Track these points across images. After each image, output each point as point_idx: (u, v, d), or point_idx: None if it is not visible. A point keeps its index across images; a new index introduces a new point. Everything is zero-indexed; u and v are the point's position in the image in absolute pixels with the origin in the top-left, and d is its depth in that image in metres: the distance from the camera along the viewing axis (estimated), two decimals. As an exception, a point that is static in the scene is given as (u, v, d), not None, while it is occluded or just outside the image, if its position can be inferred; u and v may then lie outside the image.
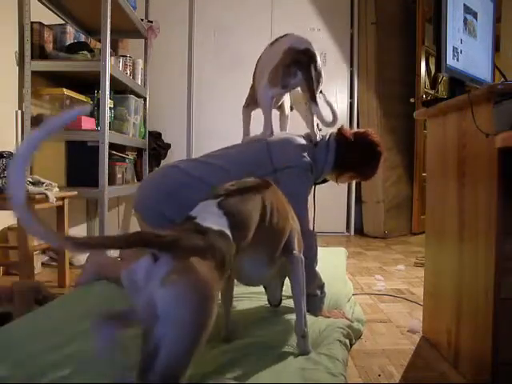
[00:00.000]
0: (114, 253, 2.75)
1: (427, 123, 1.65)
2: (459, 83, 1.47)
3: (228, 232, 0.98)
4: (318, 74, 1.75)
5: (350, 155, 1.75)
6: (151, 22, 3.57)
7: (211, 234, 0.94)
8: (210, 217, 1.00)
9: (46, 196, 2.00)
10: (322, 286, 1.65)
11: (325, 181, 1.86)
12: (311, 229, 1.71)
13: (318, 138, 1.77)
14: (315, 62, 1.74)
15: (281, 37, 1.89)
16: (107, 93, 2.57)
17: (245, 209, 1.10)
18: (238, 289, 1.55)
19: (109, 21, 2.54)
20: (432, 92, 4.18)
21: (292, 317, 1.42)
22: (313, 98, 1.71)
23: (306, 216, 1.64)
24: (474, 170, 1.26)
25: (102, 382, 1.06)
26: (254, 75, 2.01)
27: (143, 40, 3.60)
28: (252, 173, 1.41)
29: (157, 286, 0.80)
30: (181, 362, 0.81)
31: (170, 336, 0.80)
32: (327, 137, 1.78)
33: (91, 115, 2.81)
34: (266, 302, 1.64)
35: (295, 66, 1.69)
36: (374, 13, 4.16)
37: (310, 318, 1.52)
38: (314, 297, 1.61)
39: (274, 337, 1.38)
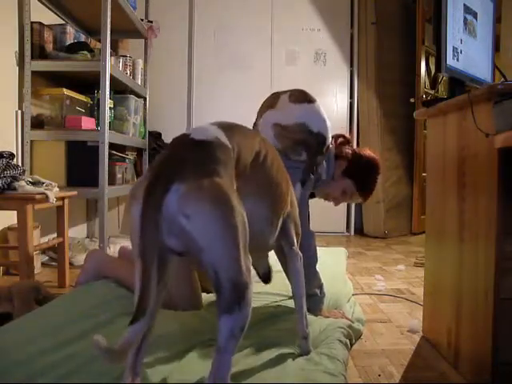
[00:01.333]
0: (113, 251, 2.76)
1: (427, 123, 1.65)
2: (459, 83, 1.47)
3: (226, 141, 0.96)
4: (322, 158, 1.69)
5: (348, 171, 1.81)
6: (151, 21, 3.57)
7: (207, 146, 0.93)
8: (204, 131, 0.98)
9: (46, 196, 2.00)
10: (321, 286, 1.65)
11: (312, 195, 1.86)
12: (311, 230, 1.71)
13: None
14: (323, 146, 1.66)
15: (305, 98, 1.70)
16: (107, 93, 2.57)
17: (240, 131, 1.07)
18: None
19: (109, 21, 2.54)
20: (432, 92, 4.18)
21: (292, 317, 1.42)
22: (304, 175, 1.65)
23: (307, 216, 1.65)
24: (473, 169, 1.26)
25: (102, 382, 1.06)
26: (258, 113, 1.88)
27: (143, 40, 3.60)
28: None
29: (179, 219, 0.82)
30: (237, 267, 0.84)
31: (215, 253, 0.83)
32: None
33: (91, 115, 2.81)
34: (266, 302, 1.64)
35: (303, 147, 1.62)
36: (373, 13, 4.16)
37: (310, 317, 1.52)
38: (313, 297, 1.61)
39: (273, 337, 1.38)
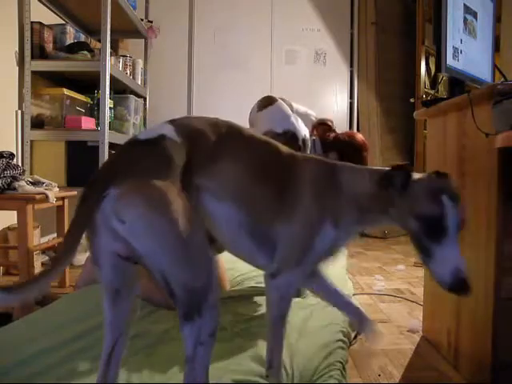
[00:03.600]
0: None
1: (427, 123, 1.65)
2: (459, 83, 1.47)
3: (174, 136, 0.91)
4: (305, 151, 1.68)
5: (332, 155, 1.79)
6: (151, 21, 3.57)
7: (149, 144, 0.89)
8: (151, 130, 0.96)
9: (46, 196, 2.00)
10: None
11: None
12: None
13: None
14: (296, 141, 1.65)
15: (268, 102, 1.75)
16: (107, 93, 2.57)
17: (203, 126, 1.00)
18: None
19: (109, 21, 2.54)
20: (432, 92, 4.18)
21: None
22: None
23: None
24: (473, 169, 1.26)
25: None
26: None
27: (143, 40, 3.60)
28: None
29: (115, 225, 0.78)
30: (186, 271, 0.79)
31: (158, 259, 0.78)
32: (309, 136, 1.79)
33: (91, 115, 2.81)
34: None
35: None
36: (374, 13, 4.17)
37: (309, 316, 1.52)
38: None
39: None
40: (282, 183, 1.01)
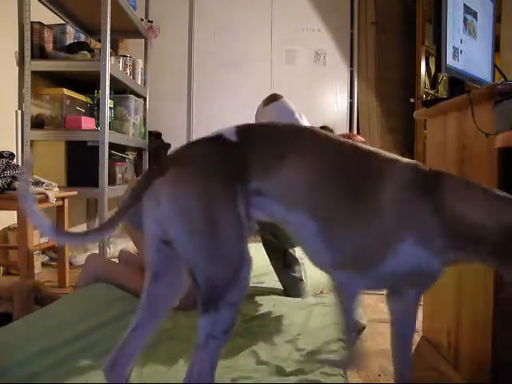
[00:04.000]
0: (113, 252, 2.75)
1: (427, 123, 1.65)
2: (459, 83, 1.47)
3: (229, 135, 0.91)
4: None
5: None
6: (151, 21, 3.57)
7: (204, 142, 0.92)
8: (217, 130, 0.94)
9: (46, 196, 2.00)
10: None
11: None
12: None
13: None
14: None
15: (273, 98, 1.81)
16: (107, 93, 2.57)
17: (270, 129, 0.97)
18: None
19: (109, 21, 2.54)
20: (432, 92, 4.18)
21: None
22: None
23: None
24: (473, 169, 1.26)
25: (102, 382, 1.06)
26: None
27: (143, 40, 3.60)
28: None
29: (154, 206, 0.85)
30: (213, 265, 0.81)
31: (187, 247, 0.82)
32: None
33: (91, 115, 2.81)
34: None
35: None
36: (374, 13, 4.17)
37: (310, 316, 1.52)
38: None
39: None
40: (361, 190, 0.90)
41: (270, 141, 0.93)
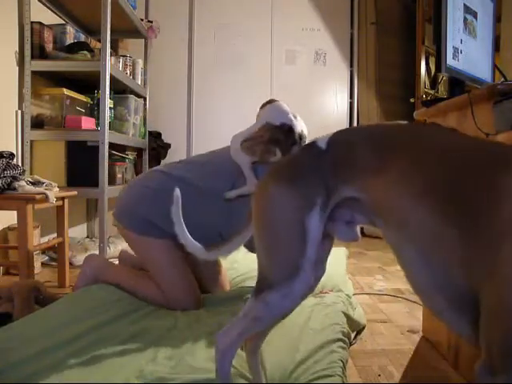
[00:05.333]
0: (113, 252, 2.75)
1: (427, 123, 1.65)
2: (459, 83, 1.47)
3: (320, 143, 0.90)
4: (301, 142, 1.69)
5: None
6: (151, 21, 3.57)
7: (301, 149, 0.97)
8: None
9: (46, 196, 2.00)
10: None
11: None
12: None
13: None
14: (293, 135, 1.67)
15: (268, 102, 1.83)
16: (107, 93, 2.57)
17: (370, 135, 0.87)
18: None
19: (109, 21, 2.54)
20: (432, 92, 4.17)
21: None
22: None
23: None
24: (474, 169, 1.25)
25: (102, 383, 1.06)
26: None
27: (143, 40, 3.60)
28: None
29: None
30: (266, 257, 0.89)
31: (256, 237, 0.91)
32: None
33: (91, 115, 2.81)
34: None
35: (274, 144, 1.64)
36: (374, 13, 4.17)
37: (309, 316, 1.52)
38: None
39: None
40: (485, 213, 0.63)
41: (360, 146, 0.84)
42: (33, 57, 2.57)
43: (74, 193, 2.37)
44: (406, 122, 0.89)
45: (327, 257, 0.97)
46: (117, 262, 1.99)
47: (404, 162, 0.75)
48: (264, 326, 0.95)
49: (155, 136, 3.91)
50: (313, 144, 0.92)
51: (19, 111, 2.56)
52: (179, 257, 1.61)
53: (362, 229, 0.98)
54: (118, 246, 2.86)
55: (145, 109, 3.55)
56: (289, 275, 0.84)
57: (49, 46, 2.69)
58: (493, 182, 0.64)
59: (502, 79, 1.51)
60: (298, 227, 0.84)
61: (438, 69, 1.39)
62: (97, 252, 2.58)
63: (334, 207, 0.87)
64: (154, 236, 1.60)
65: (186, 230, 1.00)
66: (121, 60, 3.22)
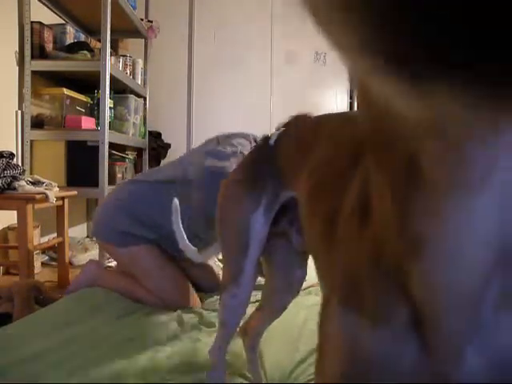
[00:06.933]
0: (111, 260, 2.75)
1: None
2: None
3: (271, 141, 0.82)
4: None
5: None
6: (151, 21, 3.57)
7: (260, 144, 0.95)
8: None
9: (46, 196, 2.00)
10: None
11: None
12: None
13: None
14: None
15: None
16: (107, 93, 2.57)
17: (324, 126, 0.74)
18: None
19: (109, 21, 2.54)
20: (432, 92, 4.18)
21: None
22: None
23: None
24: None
25: (102, 382, 1.06)
26: None
27: (143, 40, 3.60)
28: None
29: None
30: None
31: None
32: None
33: (91, 115, 2.81)
34: None
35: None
36: (374, 13, 4.17)
37: (309, 316, 1.52)
38: None
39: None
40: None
41: (296, 140, 0.76)
42: (33, 57, 2.57)
43: (74, 193, 2.37)
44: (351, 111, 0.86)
45: (305, 259, 0.90)
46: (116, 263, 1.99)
47: (313, 157, 0.64)
48: (230, 329, 0.89)
49: (155, 136, 3.91)
50: (266, 140, 0.83)
51: (19, 111, 2.56)
52: (163, 259, 1.62)
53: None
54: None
55: (145, 109, 3.55)
56: (234, 275, 0.82)
57: (49, 46, 2.69)
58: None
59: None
60: (242, 227, 0.80)
61: (438, 69, 1.39)
62: (97, 252, 2.58)
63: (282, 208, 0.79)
64: (134, 244, 1.61)
65: (185, 236, 0.98)
66: (121, 60, 3.22)
